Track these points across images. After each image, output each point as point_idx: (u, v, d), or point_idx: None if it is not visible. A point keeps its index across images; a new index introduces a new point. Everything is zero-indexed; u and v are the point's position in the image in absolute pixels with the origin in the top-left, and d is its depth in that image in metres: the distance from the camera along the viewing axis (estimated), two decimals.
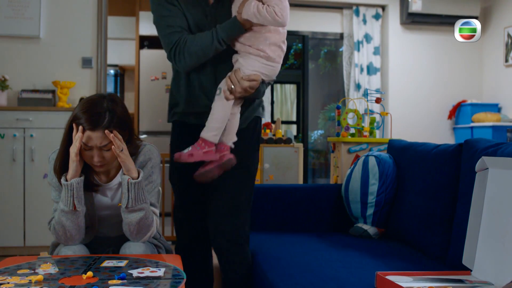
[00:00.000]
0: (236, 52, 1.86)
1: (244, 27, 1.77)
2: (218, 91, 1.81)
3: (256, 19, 1.73)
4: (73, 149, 1.69)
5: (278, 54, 1.83)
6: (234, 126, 1.86)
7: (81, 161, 1.73)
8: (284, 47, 1.87)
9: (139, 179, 1.74)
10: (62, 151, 1.77)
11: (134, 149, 1.85)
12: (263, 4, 1.73)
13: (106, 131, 1.67)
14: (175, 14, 1.85)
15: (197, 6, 1.87)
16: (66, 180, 1.71)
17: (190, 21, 1.87)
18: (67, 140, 1.74)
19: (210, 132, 1.80)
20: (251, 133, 1.97)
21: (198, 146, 1.80)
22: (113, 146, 1.68)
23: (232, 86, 1.77)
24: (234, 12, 1.82)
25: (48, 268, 1.48)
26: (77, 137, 1.68)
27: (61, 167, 1.76)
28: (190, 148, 1.80)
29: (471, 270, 1.47)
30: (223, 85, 1.81)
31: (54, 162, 1.80)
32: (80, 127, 1.68)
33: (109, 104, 1.72)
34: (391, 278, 1.37)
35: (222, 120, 1.79)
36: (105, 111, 1.70)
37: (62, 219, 1.72)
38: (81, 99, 3.60)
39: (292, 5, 5.33)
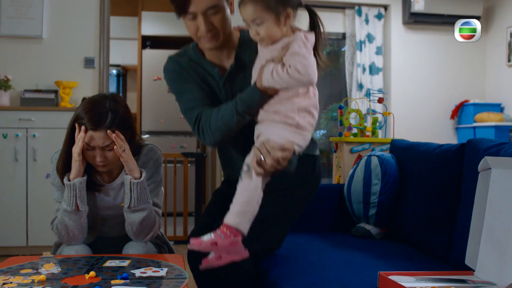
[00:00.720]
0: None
1: (266, 94, 1.55)
2: (245, 167, 1.53)
3: (279, 85, 1.50)
4: (76, 149, 1.70)
5: (309, 122, 1.57)
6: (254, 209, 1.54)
7: (84, 161, 1.74)
8: (316, 113, 1.60)
9: (142, 179, 1.74)
10: (64, 151, 1.77)
11: (136, 149, 1.85)
12: (283, 65, 1.49)
13: (108, 131, 1.68)
14: (192, 88, 1.76)
15: (211, 81, 1.78)
16: (69, 180, 1.72)
17: (208, 93, 1.77)
18: (70, 140, 1.75)
19: (237, 217, 1.49)
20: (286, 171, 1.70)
21: (222, 234, 1.49)
22: (115, 146, 1.69)
23: (262, 158, 1.49)
24: (254, 77, 1.60)
25: (50, 268, 1.48)
26: (80, 137, 1.68)
27: (64, 167, 1.77)
28: (212, 236, 1.49)
29: (474, 270, 1.47)
30: (250, 160, 1.53)
31: (57, 162, 1.80)
32: (83, 127, 1.68)
33: (111, 104, 1.73)
34: (394, 278, 1.37)
35: (250, 202, 1.50)
36: (107, 111, 1.70)
37: (65, 219, 1.73)
38: (84, 99, 3.61)
39: None
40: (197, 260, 1.77)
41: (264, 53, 1.58)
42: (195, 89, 1.75)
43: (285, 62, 1.49)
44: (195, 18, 1.65)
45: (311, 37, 1.56)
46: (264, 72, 1.52)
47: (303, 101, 1.55)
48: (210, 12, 1.64)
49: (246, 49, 1.74)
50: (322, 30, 1.60)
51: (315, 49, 1.57)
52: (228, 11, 1.70)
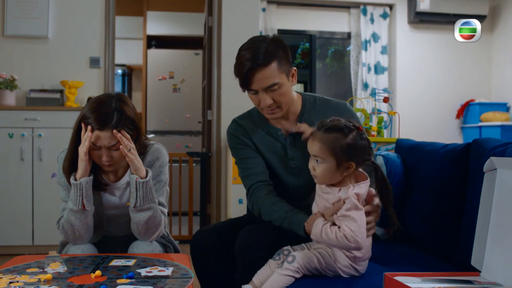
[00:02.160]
0: None
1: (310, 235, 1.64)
2: (290, 258, 1.55)
3: (326, 243, 1.55)
4: (82, 149, 1.70)
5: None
6: None
7: (90, 161, 1.74)
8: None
9: (147, 178, 1.74)
10: (71, 151, 1.77)
11: (142, 149, 1.86)
12: (333, 224, 1.53)
13: (114, 130, 1.68)
14: (250, 155, 1.91)
15: (275, 144, 1.91)
16: (75, 180, 1.72)
17: (268, 159, 1.91)
18: (76, 140, 1.75)
19: None
20: None
21: None
22: (121, 146, 1.69)
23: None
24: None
25: (57, 267, 1.49)
26: (86, 137, 1.69)
27: (70, 167, 1.77)
28: None
29: (480, 271, 1.46)
30: (302, 258, 1.55)
31: (63, 161, 1.80)
32: (89, 127, 1.69)
33: (117, 103, 1.73)
34: (399, 279, 1.36)
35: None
36: (114, 110, 1.70)
37: (71, 218, 1.73)
38: (89, 98, 3.60)
39: (299, 4, 5.33)
40: (200, 255, 1.84)
41: (319, 195, 1.63)
42: (252, 156, 1.91)
43: (336, 221, 1.52)
44: (257, 93, 1.78)
45: (362, 191, 1.56)
46: (314, 226, 1.55)
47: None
48: (270, 89, 1.76)
49: (309, 113, 1.88)
50: (388, 186, 1.62)
51: (385, 204, 1.61)
52: (288, 84, 1.80)
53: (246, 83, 1.75)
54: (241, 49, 1.78)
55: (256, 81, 1.74)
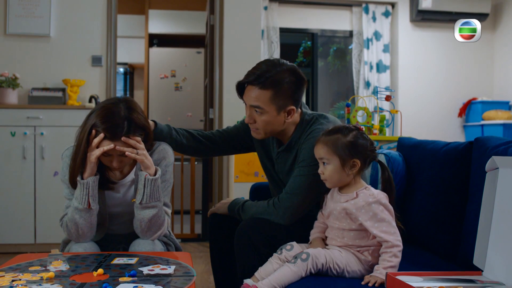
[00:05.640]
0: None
1: None
2: (304, 255, 1.54)
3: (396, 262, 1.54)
4: (94, 155, 1.70)
5: None
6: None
7: (97, 161, 1.74)
8: None
9: (157, 176, 1.76)
10: (81, 157, 1.74)
11: (149, 147, 1.86)
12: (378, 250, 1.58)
13: (123, 138, 1.69)
14: (237, 130, 2.14)
15: (267, 150, 2.04)
16: (82, 178, 1.72)
17: (260, 158, 2.09)
18: (85, 144, 1.73)
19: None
20: None
21: None
22: (127, 153, 1.70)
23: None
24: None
25: (59, 265, 1.49)
26: (97, 142, 1.69)
27: (79, 168, 1.76)
28: None
29: (482, 270, 1.46)
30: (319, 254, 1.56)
31: (71, 162, 1.79)
32: (101, 134, 1.69)
33: (126, 112, 1.72)
34: (402, 278, 1.36)
35: (286, 284, 1.53)
36: (123, 120, 1.70)
37: (76, 216, 1.74)
38: (91, 97, 3.57)
39: (301, 2, 5.33)
40: (218, 225, 2.04)
41: (332, 199, 1.68)
42: (234, 131, 2.15)
43: (371, 228, 1.55)
44: (246, 106, 1.88)
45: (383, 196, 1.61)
46: (378, 276, 1.48)
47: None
48: (255, 109, 1.83)
49: (301, 137, 1.87)
50: (393, 186, 1.66)
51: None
52: (276, 117, 1.84)
53: (239, 91, 1.89)
54: (260, 62, 1.87)
55: (246, 95, 1.84)
